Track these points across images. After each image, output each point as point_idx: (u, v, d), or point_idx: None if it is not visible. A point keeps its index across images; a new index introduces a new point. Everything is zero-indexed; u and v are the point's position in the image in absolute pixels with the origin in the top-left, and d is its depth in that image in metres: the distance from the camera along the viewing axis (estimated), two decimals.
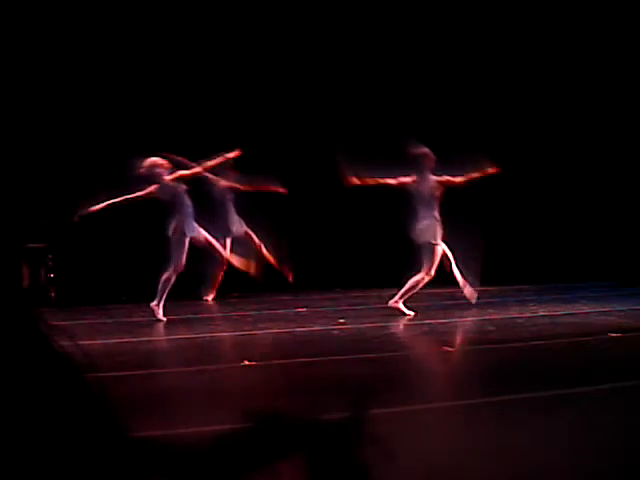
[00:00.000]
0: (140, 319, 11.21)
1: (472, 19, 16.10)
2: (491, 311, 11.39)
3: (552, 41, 16.17)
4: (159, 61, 15.15)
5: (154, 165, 11.24)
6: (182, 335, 9.69)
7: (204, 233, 11.71)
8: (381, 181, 11.16)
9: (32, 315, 1.03)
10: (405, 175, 11.12)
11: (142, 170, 11.17)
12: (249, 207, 13.21)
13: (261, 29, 15.50)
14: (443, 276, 13.96)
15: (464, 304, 12.26)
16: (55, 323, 1.13)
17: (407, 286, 11.02)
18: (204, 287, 13.41)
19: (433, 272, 10.98)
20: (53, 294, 13.20)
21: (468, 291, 11.64)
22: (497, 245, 16.10)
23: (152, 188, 11.20)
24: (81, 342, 1.12)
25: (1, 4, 14.01)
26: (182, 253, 11.04)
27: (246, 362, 7.65)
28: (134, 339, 9.43)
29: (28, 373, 0.98)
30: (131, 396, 5.93)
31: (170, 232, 11.15)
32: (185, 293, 13.62)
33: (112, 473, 1.00)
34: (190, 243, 11.29)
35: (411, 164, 11.15)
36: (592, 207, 16.20)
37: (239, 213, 13.39)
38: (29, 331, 1.01)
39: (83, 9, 14.51)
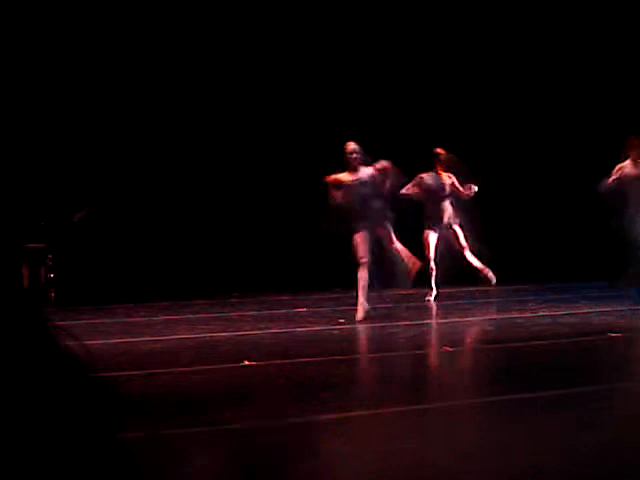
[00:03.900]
0: (140, 319, 11.21)
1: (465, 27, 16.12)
2: (491, 311, 11.39)
3: (533, 47, 16.21)
4: (157, 61, 15.15)
5: None
6: (182, 335, 9.69)
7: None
8: None
9: (40, 315, 1.03)
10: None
11: None
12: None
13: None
14: (442, 276, 13.98)
15: (464, 304, 12.28)
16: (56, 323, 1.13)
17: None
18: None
19: None
20: (53, 294, 13.20)
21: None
22: (497, 245, 16.11)
23: None
24: (86, 342, 1.12)
25: (1, 4, 14.01)
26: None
27: (246, 362, 7.65)
28: (134, 339, 9.43)
29: (36, 372, 0.98)
30: (131, 396, 5.93)
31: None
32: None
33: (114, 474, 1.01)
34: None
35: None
36: (592, 207, 16.19)
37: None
38: (37, 331, 1.01)
39: (90, 11, 14.51)
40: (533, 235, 16.53)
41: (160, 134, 15.13)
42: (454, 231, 12.71)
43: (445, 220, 12.73)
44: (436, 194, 12.70)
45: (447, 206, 12.77)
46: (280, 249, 15.19)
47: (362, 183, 10.83)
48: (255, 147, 15.40)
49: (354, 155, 10.88)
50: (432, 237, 12.64)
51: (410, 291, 13.93)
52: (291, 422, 5.41)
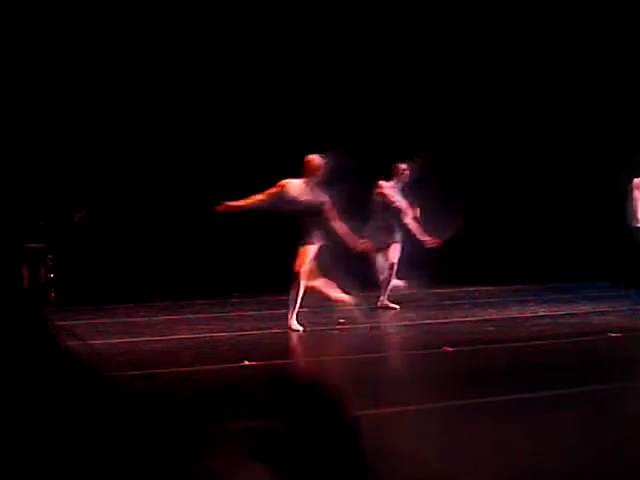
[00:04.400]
0: (140, 319, 11.21)
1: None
2: (491, 311, 11.39)
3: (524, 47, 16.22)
4: (156, 62, 15.15)
5: None
6: (182, 335, 9.70)
7: None
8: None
9: (40, 315, 1.03)
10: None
11: None
12: None
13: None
14: (444, 276, 13.97)
15: (464, 304, 12.27)
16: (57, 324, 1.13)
17: None
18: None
19: None
20: (53, 294, 13.19)
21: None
22: (497, 245, 16.12)
23: None
24: (87, 342, 1.12)
25: (1, 4, 14.01)
26: None
27: (246, 362, 7.65)
28: (134, 339, 9.43)
29: (37, 372, 0.98)
30: (131, 396, 5.92)
31: None
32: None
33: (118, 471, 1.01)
34: None
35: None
36: (592, 207, 16.20)
37: None
38: (38, 331, 1.01)
39: (88, 11, 14.52)
40: (533, 235, 16.53)
41: (160, 134, 15.13)
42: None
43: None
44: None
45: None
46: (280, 249, 15.17)
47: (310, 205, 10.09)
48: (255, 148, 15.39)
49: (325, 169, 10.19)
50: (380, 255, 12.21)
51: (410, 291, 13.93)
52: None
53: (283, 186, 10.20)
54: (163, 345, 9.13)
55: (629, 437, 5.06)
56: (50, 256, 13.40)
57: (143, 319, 11.13)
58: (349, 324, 10.28)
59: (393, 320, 10.69)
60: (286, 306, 12.25)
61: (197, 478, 1.34)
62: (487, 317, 10.76)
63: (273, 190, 10.23)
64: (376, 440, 5.08)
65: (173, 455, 1.33)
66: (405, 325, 10.39)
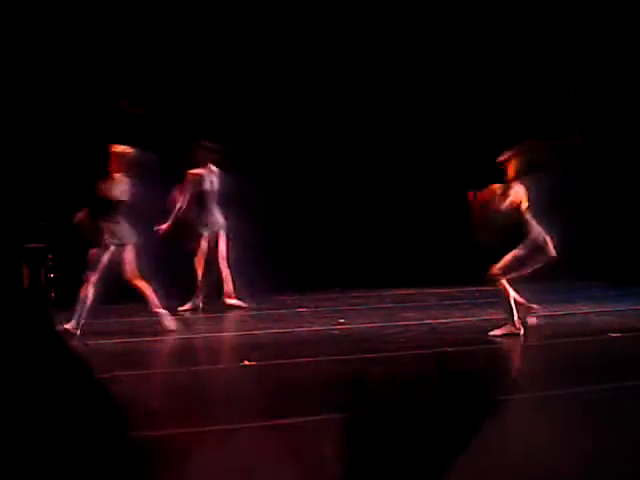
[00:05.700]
0: (140, 319, 11.20)
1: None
2: (491, 311, 11.38)
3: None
4: (156, 62, 15.16)
5: None
6: (182, 335, 9.70)
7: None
8: None
9: (46, 315, 1.03)
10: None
11: None
12: None
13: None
14: (442, 276, 13.96)
15: (464, 304, 12.27)
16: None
17: None
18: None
19: None
20: (53, 294, 13.18)
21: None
22: (496, 245, 16.09)
23: None
24: (87, 342, 1.12)
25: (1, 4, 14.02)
26: None
27: (246, 362, 7.65)
28: (134, 339, 9.43)
29: (42, 371, 0.98)
30: (131, 396, 5.93)
31: None
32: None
33: (118, 473, 1.01)
34: None
35: None
36: (592, 207, 16.20)
37: None
38: (44, 331, 1.01)
39: (83, 9, 14.53)
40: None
41: (159, 134, 15.13)
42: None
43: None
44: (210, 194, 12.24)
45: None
46: (279, 249, 15.18)
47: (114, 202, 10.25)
48: (253, 149, 15.41)
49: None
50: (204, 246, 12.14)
51: (410, 291, 13.94)
52: (291, 422, 5.41)
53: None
54: (163, 345, 9.13)
55: (629, 437, 5.06)
56: (50, 256, 13.39)
57: (143, 319, 11.13)
58: (349, 324, 10.29)
59: (393, 320, 10.69)
60: (285, 306, 12.29)
61: (195, 477, 1.34)
62: (487, 317, 10.75)
63: None
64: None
65: (172, 455, 1.33)
66: (405, 325, 10.39)
